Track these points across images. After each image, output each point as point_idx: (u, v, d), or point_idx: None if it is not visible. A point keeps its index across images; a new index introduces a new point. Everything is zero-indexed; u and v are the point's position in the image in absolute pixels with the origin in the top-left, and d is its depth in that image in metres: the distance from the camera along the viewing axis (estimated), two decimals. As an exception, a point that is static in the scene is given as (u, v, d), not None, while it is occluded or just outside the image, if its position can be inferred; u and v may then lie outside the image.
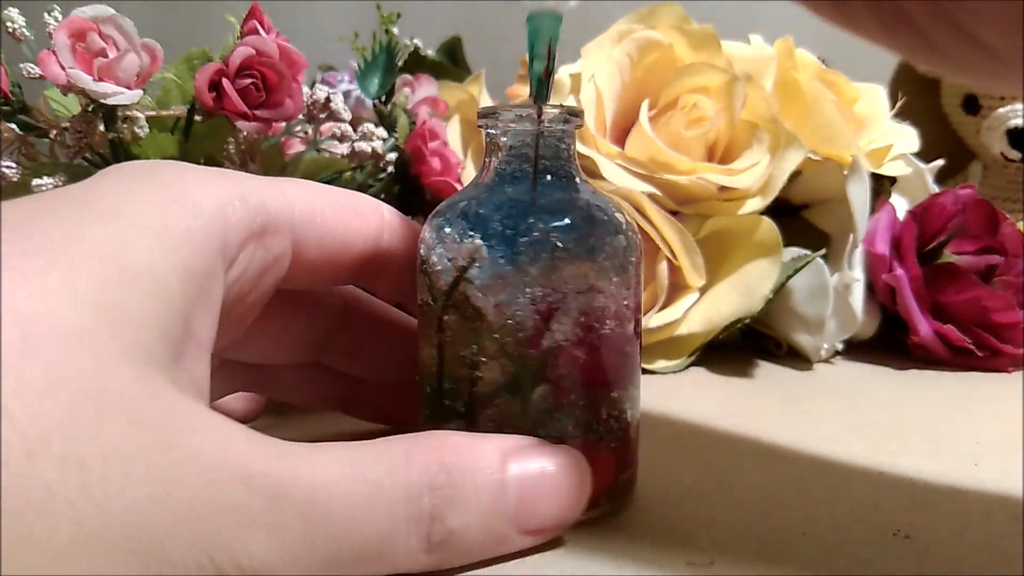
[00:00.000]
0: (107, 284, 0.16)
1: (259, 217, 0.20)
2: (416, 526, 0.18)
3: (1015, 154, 0.61)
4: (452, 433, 0.20)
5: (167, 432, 0.15)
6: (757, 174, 0.40)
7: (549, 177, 0.23)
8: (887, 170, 0.47)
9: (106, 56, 0.28)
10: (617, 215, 0.23)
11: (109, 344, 0.15)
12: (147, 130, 0.30)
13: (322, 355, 0.27)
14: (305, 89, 0.33)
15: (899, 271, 0.44)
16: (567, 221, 0.22)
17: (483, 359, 0.22)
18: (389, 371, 0.27)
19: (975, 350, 0.42)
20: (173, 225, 0.18)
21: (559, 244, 0.21)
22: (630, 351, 0.23)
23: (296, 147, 0.38)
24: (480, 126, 0.24)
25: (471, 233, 0.22)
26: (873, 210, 0.45)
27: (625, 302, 0.22)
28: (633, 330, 0.23)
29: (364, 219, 0.23)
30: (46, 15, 0.29)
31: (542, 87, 0.22)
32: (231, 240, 0.19)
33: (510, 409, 0.22)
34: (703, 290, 0.41)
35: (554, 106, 0.23)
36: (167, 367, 0.17)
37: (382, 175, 0.39)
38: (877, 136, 0.48)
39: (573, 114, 0.23)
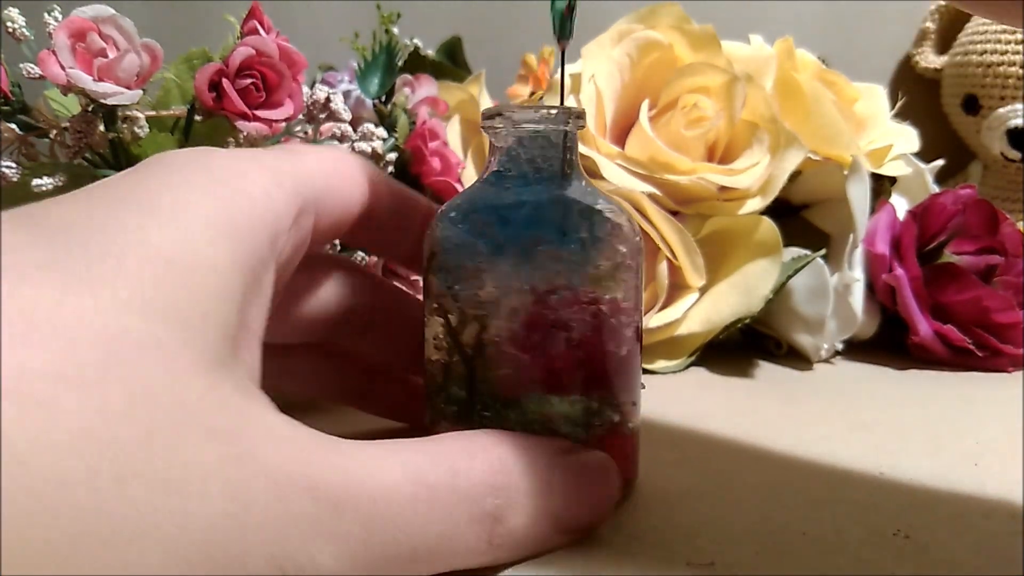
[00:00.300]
0: (175, 289, 0.16)
1: (297, 201, 0.20)
2: (478, 527, 0.18)
3: (1015, 154, 0.61)
4: (507, 434, 0.20)
5: (240, 444, 0.16)
6: (757, 174, 0.40)
7: (542, 176, 0.23)
8: (887, 170, 0.47)
9: (106, 56, 0.28)
10: (607, 215, 0.23)
11: (181, 353, 0.15)
12: (147, 130, 0.30)
13: (332, 335, 0.27)
14: (305, 89, 0.33)
15: (899, 271, 0.44)
16: (523, 219, 0.22)
17: (445, 345, 0.23)
18: (402, 352, 0.27)
19: (975, 350, 0.42)
20: (232, 219, 0.18)
21: (503, 241, 0.22)
22: (596, 354, 0.22)
23: (296, 147, 0.38)
24: (483, 127, 0.24)
25: (435, 225, 0.23)
26: (873, 210, 0.45)
27: (596, 303, 0.22)
28: (609, 332, 0.22)
29: (357, 182, 0.24)
30: (46, 15, 0.29)
31: (565, 24, 0.22)
32: (280, 227, 0.19)
33: (461, 398, 0.23)
34: (703, 290, 0.41)
35: (556, 107, 0.23)
36: (229, 365, 0.17)
37: (382, 175, 0.39)
38: (877, 136, 0.48)
39: (578, 116, 0.23)
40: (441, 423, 0.23)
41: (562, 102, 0.24)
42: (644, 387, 0.25)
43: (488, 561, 0.19)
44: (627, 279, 0.23)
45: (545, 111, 0.23)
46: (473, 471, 0.19)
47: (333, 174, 0.22)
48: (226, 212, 0.18)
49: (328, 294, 0.26)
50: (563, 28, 0.22)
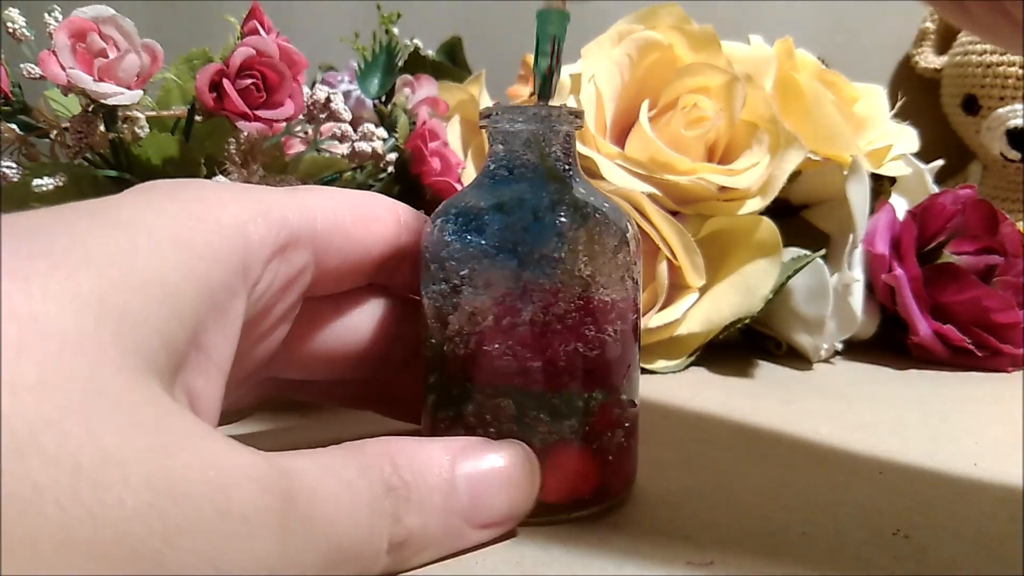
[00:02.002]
0: (112, 288, 0.16)
1: (282, 233, 0.20)
2: (382, 524, 0.18)
3: (1014, 154, 0.61)
4: (400, 438, 0.20)
5: (170, 436, 0.15)
6: (757, 174, 0.41)
7: (528, 176, 0.23)
8: (887, 170, 0.47)
9: (106, 56, 0.28)
10: (585, 216, 0.22)
11: (109, 347, 0.15)
12: (147, 130, 0.30)
13: (375, 370, 0.26)
14: (305, 89, 0.33)
15: (899, 271, 0.44)
16: (499, 220, 0.22)
17: (424, 339, 0.23)
18: None
19: (975, 350, 0.42)
20: (190, 239, 0.18)
21: (455, 241, 0.22)
22: (576, 351, 0.22)
23: (296, 147, 0.38)
24: (480, 126, 0.24)
25: (425, 226, 0.24)
26: (873, 210, 0.45)
27: (574, 301, 0.22)
28: (590, 330, 0.22)
29: (383, 223, 0.23)
30: (46, 15, 0.29)
31: (545, 84, 0.23)
32: (253, 258, 0.19)
33: (436, 391, 0.23)
34: (703, 290, 0.41)
35: (552, 107, 0.23)
36: (165, 376, 0.16)
37: (382, 175, 0.39)
38: (877, 136, 0.48)
39: (575, 115, 0.23)
40: (424, 416, 0.24)
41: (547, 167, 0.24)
42: (635, 406, 0.24)
43: (390, 564, 0.19)
44: (613, 277, 0.22)
45: (532, 111, 0.23)
46: (372, 472, 0.19)
47: (342, 213, 0.22)
48: (185, 232, 0.18)
49: (372, 330, 0.25)
50: (543, 89, 0.23)
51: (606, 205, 0.23)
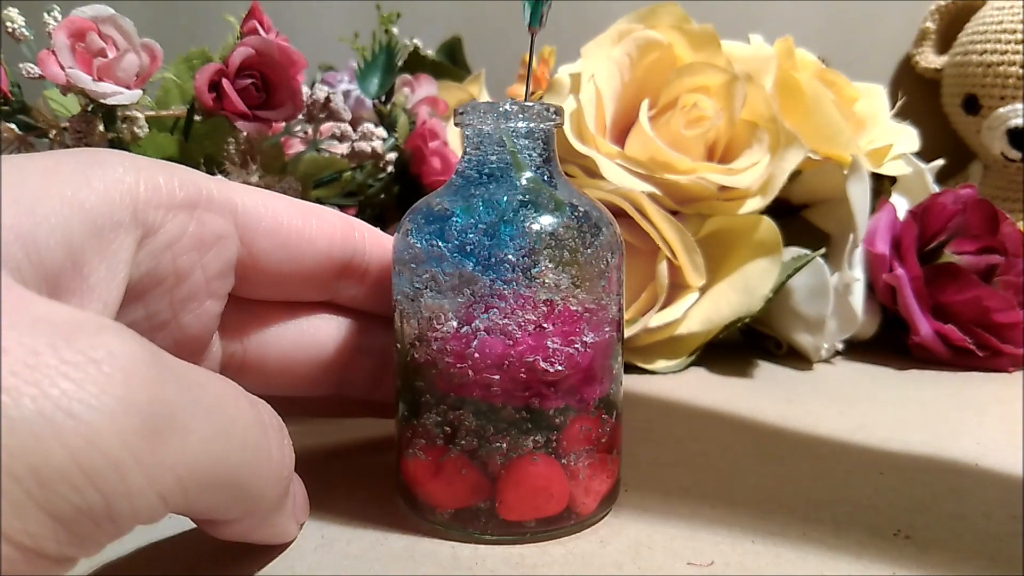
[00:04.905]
0: None
1: (188, 188, 0.20)
2: None
3: (1015, 154, 0.61)
4: None
5: (59, 335, 0.13)
6: (757, 174, 0.40)
7: (498, 176, 0.22)
8: (887, 170, 0.47)
9: (105, 56, 0.28)
10: (555, 217, 0.21)
11: None
12: (147, 130, 0.30)
13: (345, 388, 0.26)
14: (305, 89, 0.33)
15: (899, 271, 0.43)
16: (462, 223, 0.21)
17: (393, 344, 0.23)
18: None
19: (975, 350, 0.42)
20: (66, 168, 0.18)
21: (415, 243, 0.21)
22: (540, 360, 0.20)
23: (296, 147, 0.38)
24: (455, 124, 0.23)
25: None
26: (873, 210, 0.45)
27: (523, 311, 0.20)
28: (558, 337, 0.20)
29: (327, 222, 0.23)
30: (46, 15, 0.29)
31: (535, 12, 0.22)
32: (146, 198, 0.19)
33: (402, 396, 0.23)
34: (703, 290, 0.41)
35: (528, 104, 0.22)
36: (15, 270, 0.15)
37: (382, 175, 0.39)
38: (877, 136, 0.48)
39: (555, 112, 0.22)
40: (396, 422, 0.23)
41: (527, 91, 0.23)
42: (616, 420, 0.23)
43: None
44: (586, 286, 0.21)
45: (504, 108, 0.22)
46: None
47: (271, 201, 0.22)
48: (64, 164, 0.18)
49: (330, 346, 0.25)
50: (534, 15, 0.22)
51: (583, 209, 0.22)
